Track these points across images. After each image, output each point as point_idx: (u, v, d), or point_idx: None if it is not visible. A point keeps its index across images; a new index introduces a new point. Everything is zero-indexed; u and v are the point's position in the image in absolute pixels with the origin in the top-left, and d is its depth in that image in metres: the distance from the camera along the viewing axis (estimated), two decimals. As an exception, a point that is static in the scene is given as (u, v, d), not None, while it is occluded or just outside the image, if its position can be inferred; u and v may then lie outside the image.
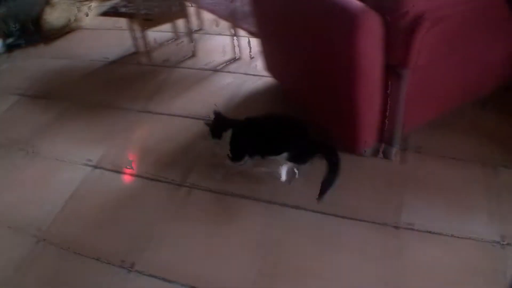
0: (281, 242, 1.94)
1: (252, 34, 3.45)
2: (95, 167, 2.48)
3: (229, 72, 3.12)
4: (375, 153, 2.23)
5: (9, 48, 3.98)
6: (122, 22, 3.53)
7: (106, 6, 3.65)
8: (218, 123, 2.16)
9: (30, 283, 1.94)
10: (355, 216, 2.00)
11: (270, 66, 2.86)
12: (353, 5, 1.76)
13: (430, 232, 1.88)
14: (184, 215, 2.13)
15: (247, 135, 2.12)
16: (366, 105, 1.99)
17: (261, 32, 2.73)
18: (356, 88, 1.91)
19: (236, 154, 2.16)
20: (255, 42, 3.27)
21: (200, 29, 3.69)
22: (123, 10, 3.23)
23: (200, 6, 3.72)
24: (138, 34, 3.36)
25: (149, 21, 3.08)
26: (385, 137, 2.16)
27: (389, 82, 1.93)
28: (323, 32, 1.97)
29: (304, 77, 2.37)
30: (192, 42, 3.32)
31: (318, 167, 2.00)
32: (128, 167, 2.45)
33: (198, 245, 1.99)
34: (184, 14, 3.15)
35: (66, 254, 2.02)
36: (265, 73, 2.94)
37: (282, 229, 1.99)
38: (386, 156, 2.22)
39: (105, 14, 3.41)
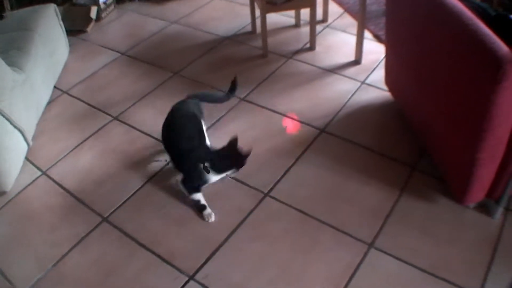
0: None
1: (379, 39, 3.12)
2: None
3: (345, 76, 2.82)
4: (478, 207, 1.99)
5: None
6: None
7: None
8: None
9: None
10: (436, 272, 1.77)
11: (390, 80, 2.54)
12: (502, 51, 1.45)
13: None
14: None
15: None
16: (488, 159, 1.72)
17: (390, 39, 2.41)
18: (483, 139, 1.65)
19: None
20: (380, 49, 2.96)
21: (323, 21, 3.40)
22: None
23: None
24: (257, 14, 3.15)
25: (272, 5, 2.86)
26: (494, 194, 1.89)
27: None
28: (460, 66, 1.68)
29: (426, 106, 2.08)
30: (313, 34, 3.05)
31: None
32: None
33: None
34: (311, 3, 2.89)
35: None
36: (383, 86, 2.63)
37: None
38: (489, 213, 1.96)
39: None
